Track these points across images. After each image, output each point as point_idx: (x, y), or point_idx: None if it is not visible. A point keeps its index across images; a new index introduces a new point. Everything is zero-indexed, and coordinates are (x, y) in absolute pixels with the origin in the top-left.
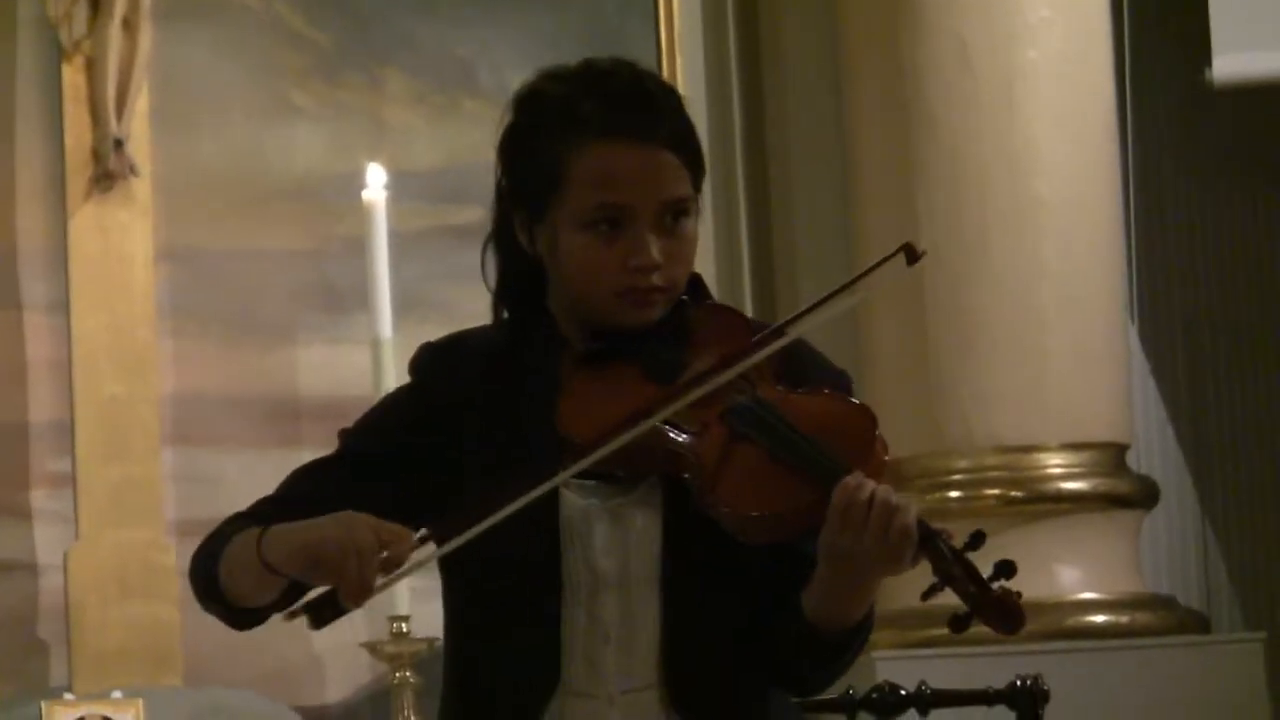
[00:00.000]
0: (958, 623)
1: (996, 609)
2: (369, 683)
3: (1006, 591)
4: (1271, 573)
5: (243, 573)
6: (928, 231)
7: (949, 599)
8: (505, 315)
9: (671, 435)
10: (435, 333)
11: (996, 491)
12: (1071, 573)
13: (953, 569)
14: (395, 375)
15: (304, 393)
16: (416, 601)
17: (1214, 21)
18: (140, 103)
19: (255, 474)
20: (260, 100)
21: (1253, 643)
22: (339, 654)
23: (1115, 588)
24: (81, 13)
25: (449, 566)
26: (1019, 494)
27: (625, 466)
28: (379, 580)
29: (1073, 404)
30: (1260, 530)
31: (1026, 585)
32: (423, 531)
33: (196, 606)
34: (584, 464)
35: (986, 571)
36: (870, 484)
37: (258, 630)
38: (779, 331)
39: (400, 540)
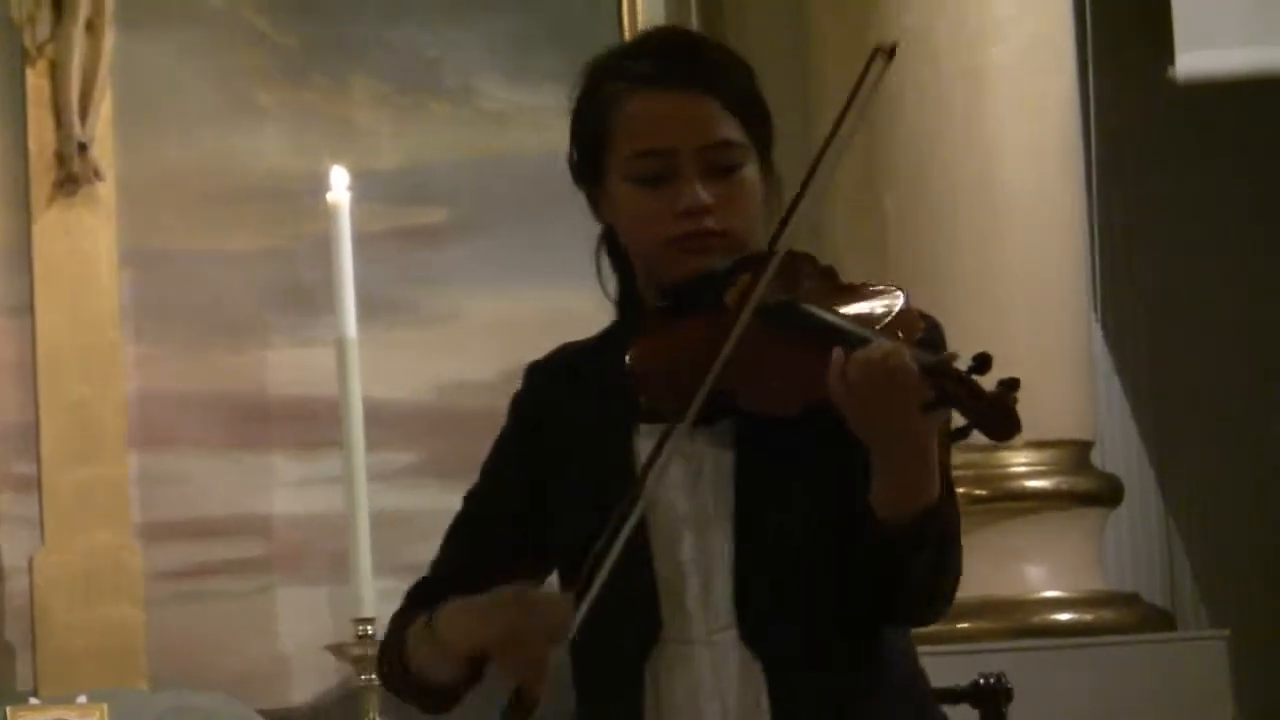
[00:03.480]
0: (957, 435)
1: (994, 417)
2: (335, 685)
3: (1001, 396)
4: (1235, 570)
5: (429, 659)
6: (893, 228)
7: None
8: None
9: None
10: (401, 333)
11: (961, 490)
12: (1036, 570)
13: (957, 390)
14: (361, 375)
15: (271, 393)
16: (382, 604)
17: (1177, 19)
18: (104, 106)
19: (222, 476)
20: (225, 102)
21: (1216, 640)
22: (305, 656)
23: (1079, 585)
24: (45, 16)
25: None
26: (983, 492)
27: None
28: (554, 654)
29: (1036, 401)
30: (1224, 528)
31: (991, 583)
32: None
33: (162, 608)
34: (684, 424)
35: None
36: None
37: (223, 632)
38: (791, 211)
39: (555, 608)
